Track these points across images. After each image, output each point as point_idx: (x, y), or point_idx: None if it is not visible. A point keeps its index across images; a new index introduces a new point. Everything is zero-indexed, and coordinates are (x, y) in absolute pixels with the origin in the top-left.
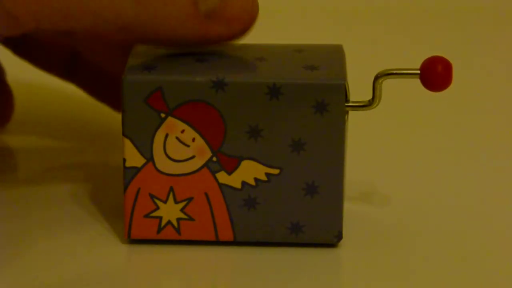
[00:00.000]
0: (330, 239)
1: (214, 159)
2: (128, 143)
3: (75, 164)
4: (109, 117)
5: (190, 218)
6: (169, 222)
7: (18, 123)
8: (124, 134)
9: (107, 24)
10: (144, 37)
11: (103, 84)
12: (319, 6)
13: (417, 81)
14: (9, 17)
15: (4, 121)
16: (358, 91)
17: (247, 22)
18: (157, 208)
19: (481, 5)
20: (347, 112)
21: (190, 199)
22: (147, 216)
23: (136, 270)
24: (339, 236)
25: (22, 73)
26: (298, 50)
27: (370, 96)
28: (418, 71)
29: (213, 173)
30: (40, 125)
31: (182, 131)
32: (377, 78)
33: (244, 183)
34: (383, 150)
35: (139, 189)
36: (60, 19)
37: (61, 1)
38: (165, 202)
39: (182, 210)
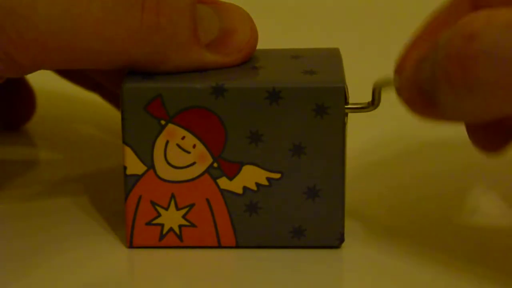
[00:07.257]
0: (332, 241)
1: (215, 165)
2: (128, 150)
3: (76, 173)
4: (109, 124)
5: (192, 225)
6: (171, 229)
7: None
8: (124, 142)
9: (109, 63)
10: (144, 68)
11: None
12: (315, 8)
13: None
14: (11, 62)
15: (26, 119)
16: (356, 93)
17: (247, 53)
18: (159, 215)
19: None
20: (346, 115)
21: (191, 206)
22: (148, 223)
23: (140, 275)
24: (341, 239)
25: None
26: (296, 55)
27: (368, 98)
28: None
29: (214, 179)
30: (38, 135)
31: (183, 138)
32: (376, 84)
33: (245, 188)
34: (383, 151)
35: (140, 197)
36: (62, 64)
37: (64, 49)
38: (166, 209)
39: (183, 216)
